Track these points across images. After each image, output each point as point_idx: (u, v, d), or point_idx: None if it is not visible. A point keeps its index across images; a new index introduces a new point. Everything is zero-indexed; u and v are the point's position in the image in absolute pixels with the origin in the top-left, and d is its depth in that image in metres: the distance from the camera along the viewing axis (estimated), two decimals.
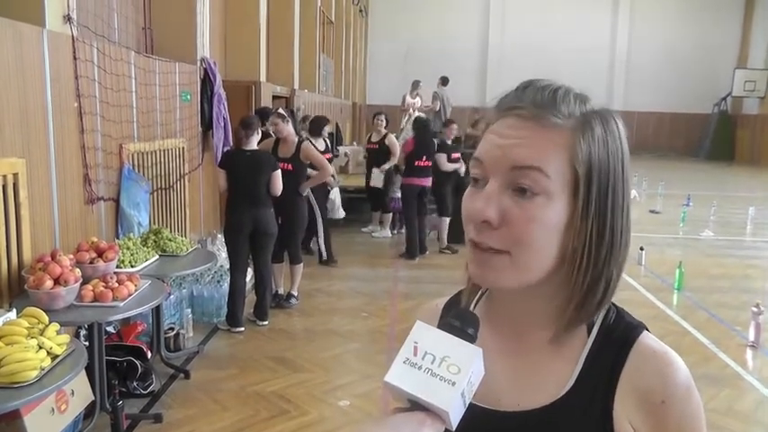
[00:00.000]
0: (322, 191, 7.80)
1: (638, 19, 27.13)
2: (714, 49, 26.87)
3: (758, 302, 5.77)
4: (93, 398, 3.76)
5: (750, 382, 4.96)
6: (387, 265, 8.19)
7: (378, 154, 9.26)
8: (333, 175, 8.09)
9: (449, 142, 9.00)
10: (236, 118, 6.71)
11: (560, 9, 26.32)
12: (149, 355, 4.65)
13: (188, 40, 6.96)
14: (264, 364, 5.03)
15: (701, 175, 20.45)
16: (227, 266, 5.86)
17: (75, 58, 4.41)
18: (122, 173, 5.17)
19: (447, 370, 0.80)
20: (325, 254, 7.93)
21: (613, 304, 1.00)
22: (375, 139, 9.43)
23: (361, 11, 23.68)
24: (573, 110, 0.92)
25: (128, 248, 4.51)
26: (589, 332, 0.98)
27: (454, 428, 0.81)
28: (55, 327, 3.10)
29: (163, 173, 6.11)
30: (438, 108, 14.36)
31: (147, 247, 4.77)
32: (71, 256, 3.83)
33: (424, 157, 8.42)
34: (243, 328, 5.68)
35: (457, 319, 0.86)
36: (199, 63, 7.05)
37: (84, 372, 3.38)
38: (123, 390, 4.26)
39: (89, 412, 3.78)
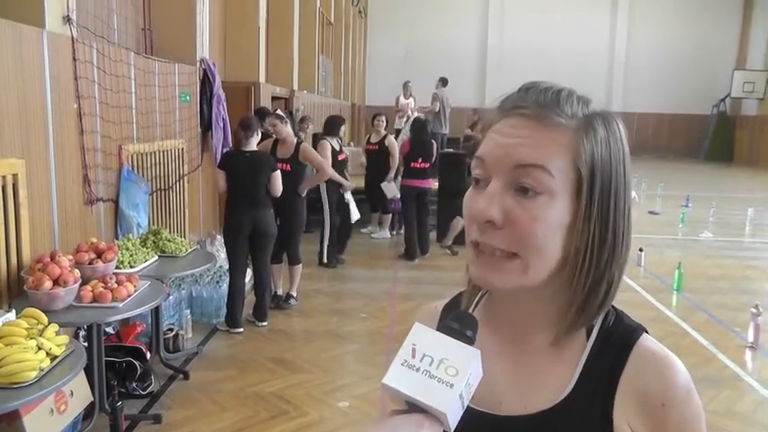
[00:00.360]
0: (336, 192, 7.79)
1: (637, 20, 27.14)
2: (713, 50, 26.88)
3: (757, 303, 5.77)
4: (93, 398, 3.76)
5: (749, 383, 4.96)
6: (386, 266, 8.19)
7: (377, 155, 9.25)
8: (347, 178, 8.08)
9: None
10: (235, 119, 6.71)
11: (559, 10, 26.33)
12: (148, 355, 4.64)
13: (187, 41, 6.96)
14: (264, 364, 5.03)
15: (700, 176, 20.46)
16: (227, 267, 5.85)
17: (74, 59, 4.42)
18: (122, 174, 5.17)
19: (445, 372, 0.80)
20: (325, 256, 7.91)
21: (612, 306, 1.00)
22: (374, 140, 9.43)
23: (360, 12, 23.69)
24: (576, 111, 0.92)
25: (127, 249, 4.51)
26: (588, 335, 0.98)
27: (452, 430, 0.81)
28: (54, 327, 3.10)
29: (162, 174, 6.11)
30: (438, 109, 14.38)
31: (147, 248, 4.77)
32: (70, 257, 3.83)
33: (420, 159, 8.41)
34: (242, 329, 5.68)
35: (455, 322, 0.86)
36: (198, 64, 7.05)
37: (83, 372, 3.38)
38: (122, 390, 4.25)
39: (88, 413, 3.78)
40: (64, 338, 3.08)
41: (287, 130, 6.35)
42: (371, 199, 9.68)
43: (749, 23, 26.54)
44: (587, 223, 0.90)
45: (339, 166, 7.81)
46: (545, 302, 0.97)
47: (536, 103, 0.92)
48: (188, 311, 5.60)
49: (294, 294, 6.47)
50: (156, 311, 4.69)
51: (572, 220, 0.90)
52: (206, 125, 7.24)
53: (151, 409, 4.28)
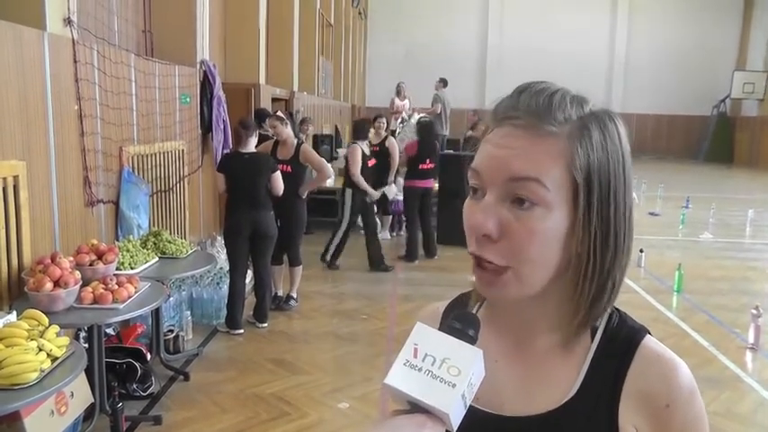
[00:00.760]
0: (360, 198, 7.75)
1: (637, 21, 27.15)
2: (713, 50, 26.89)
3: (757, 305, 5.77)
4: (93, 400, 3.76)
5: (750, 384, 4.96)
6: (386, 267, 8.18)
7: (378, 156, 9.25)
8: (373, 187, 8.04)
9: None
10: (235, 120, 6.72)
11: (559, 11, 26.35)
12: (149, 357, 4.65)
13: (188, 43, 6.97)
14: (264, 366, 5.03)
15: (700, 177, 20.46)
16: (227, 269, 5.86)
17: (75, 61, 4.42)
18: (122, 175, 5.17)
19: (447, 372, 0.80)
20: (330, 255, 7.92)
21: (616, 308, 1.00)
22: (375, 141, 9.43)
23: (360, 13, 23.71)
24: (569, 115, 0.90)
25: (127, 251, 4.51)
26: (593, 337, 0.98)
27: (455, 430, 0.81)
28: (55, 329, 3.10)
29: (162, 175, 6.11)
30: (439, 111, 14.39)
31: (147, 250, 4.78)
32: (71, 259, 3.83)
33: (428, 160, 8.47)
34: (242, 331, 5.68)
35: (458, 321, 0.86)
36: (198, 66, 7.06)
37: (83, 374, 3.38)
38: (123, 392, 4.25)
39: (89, 414, 3.78)
40: (64, 340, 3.09)
41: (287, 131, 6.35)
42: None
43: (749, 24, 26.54)
44: (587, 229, 0.90)
45: (367, 171, 7.81)
46: (548, 308, 0.97)
47: (528, 110, 0.90)
48: (188, 313, 5.60)
49: (294, 296, 6.48)
50: (156, 313, 4.69)
51: (571, 227, 0.90)
52: (206, 127, 7.25)
53: (151, 410, 4.28)
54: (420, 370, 0.81)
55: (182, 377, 4.77)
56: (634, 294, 7.10)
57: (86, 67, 4.58)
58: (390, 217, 9.82)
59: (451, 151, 11.14)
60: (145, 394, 4.40)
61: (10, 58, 3.75)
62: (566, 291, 0.94)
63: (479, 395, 0.84)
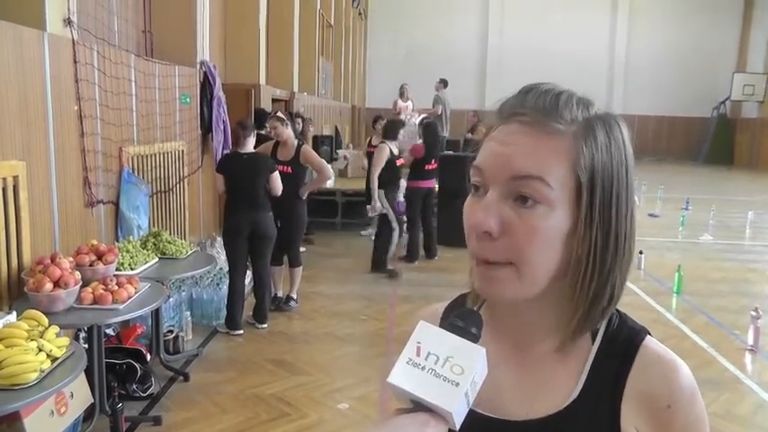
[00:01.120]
0: (393, 197, 7.72)
1: (638, 22, 27.16)
2: (713, 52, 26.90)
3: (757, 306, 5.77)
4: (93, 400, 3.76)
5: (749, 385, 4.96)
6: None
7: None
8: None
9: None
10: (235, 121, 6.72)
11: (559, 12, 26.36)
12: (149, 357, 4.64)
13: (188, 44, 6.97)
14: (264, 366, 5.03)
15: (700, 178, 20.46)
16: (227, 269, 5.86)
17: (75, 62, 4.43)
18: (122, 176, 5.18)
19: (450, 370, 0.80)
20: (388, 263, 7.75)
21: (617, 310, 1.00)
22: (375, 142, 9.45)
23: (360, 14, 23.72)
24: (575, 115, 0.90)
25: (127, 251, 4.51)
26: (593, 339, 0.98)
27: (458, 429, 0.81)
28: (54, 329, 3.10)
29: (162, 176, 6.11)
30: (440, 112, 14.39)
31: (147, 250, 4.78)
32: (71, 259, 3.83)
33: (433, 161, 8.50)
34: (242, 331, 5.68)
35: (460, 319, 0.85)
36: (198, 66, 7.06)
37: (83, 374, 3.38)
38: (122, 392, 4.25)
39: (88, 414, 3.78)
40: (64, 340, 3.09)
41: (288, 132, 6.34)
42: (371, 201, 9.68)
43: (749, 26, 26.55)
44: (589, 230, 0.89)
45: (396, 171, 7.80)
46: (548, 310, 0.96)
47: (534, 108, 0.90)
48: (188, 313, 5.60)
49: (294, 296, 6.47)
50: (156, 313, 4.69)
51: (572, 227, 0.89)
52: (206, 127, 7.25)
53: (151, 410, 4.28)
54: (423, 368, 0.81)
55: (181, 378, 4.76)
56: (634, 296, 7.09)
57: (86, 67, 4.58)
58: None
59: (451, 152, 11.15)
60: (144, 395, 4.40)
61: (10, 58, 3.75)
62: (565, 293, 0.94)
63: (480, 399, 0.84)
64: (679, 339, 5.84)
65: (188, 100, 6.80)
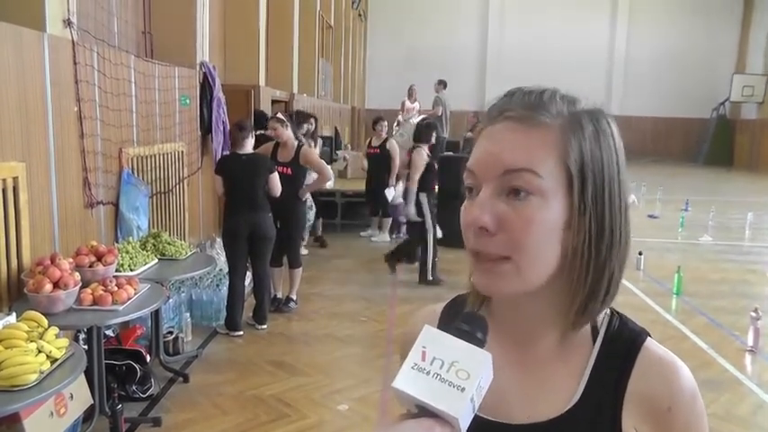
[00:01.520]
0: (433, 200, 7.55)
1: (637, 23, 27.16)
2: (712, 53, 26.90)
3: (757, 307, 5.77)
4: (93, 401, 3.75)
5: (749, 386, 4.96)
6: (386, 269, 8.17)
7: (379, 159, 9.31)
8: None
9: None
10: (234, 122, 6.72)
11: (559, 14, 26.36)
12: (148, 358, 4.64)
13: (187, 45, 6.97)
14: (263, 367, 5.03)
15: (699, 180, 20.45)
16: (226, 270, 5.86)
17: (75, 63, 4.43)
18: (122, 177, 5.17)
19: (456, 375, 0.79)
20: (430, 272, 7.50)
21: (616, 311, 1.00)
22: (375, 143, 9.48)
23: (360, 15, 23.72)
24: (561, 109, 0.92)
25: (127, 252, 4.51)
26: (594, 340, 0.98)
27: None
28: (54, 330, 3.10)
29: (162, 177, 6.11)
30: (440, 113, 14.39)
31: (147, 251, 4.77)
32: (70, 260, 3.83)
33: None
34: (242, 332, 5.68)
35: (466, 323, 0.85)
36: (198, 67, 7.06)
37: (83, 375, 3.38)
38: (122, 393, 4.25)
39: (88, 416, 3.77)
40: (64, 341, 3.09)
41: (288, 133, 6.34)
42: (372, 202, 9.70)
43: (748, 27, 26.55)
44: (582, 220, 0.90)
45: (433, 175, 7.68)
46: (547, 304, 0.96)
47: (521, 105, 0.92)
48: (188, 314, 5.60)
49: (294, 297, 6.47)
50: (155, 314, 4.69)
51: (568, 219, 0.90)
52: (206, 128, 7.25)
53: (151, 411, 4.28)
54: (428, 373, 0.80)
55: (181, 379, 4.76)
56: (633, 297, 7.09)
57: (86, 68, 4.58)
58: (390, 220, 9.82)
59: (451, 153, 11.15)
60: (144, 396, 4.40)
61: (9, 59, 3.75)
62: (563, 286, 0.94)
63: (482, 402, 0.84)
64: (679, 340, 5.84)
65: (188, 101, 6.80)
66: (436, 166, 7.72)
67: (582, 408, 0.94)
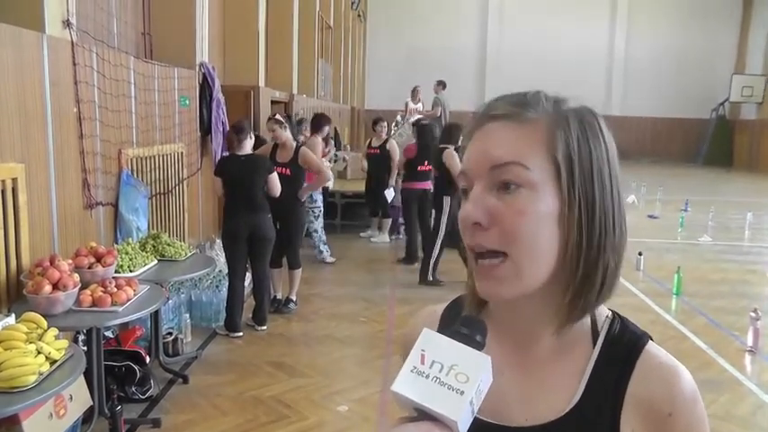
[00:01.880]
0: (458, 203, 7.55)
1: (636, 24, 27.16)
2: (712, 54, 26.91)
3: (756, 308, 5.77)
4: (92, 403, 3.75)
5: (748, 387, 4.96)
6: (385, 270, 8.18)
7: (379, 159, 9.31)
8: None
9: None
10: (232, 123, 6.73)
11: (558, 14, 26.36)
12: (148, 359, 4.64)
13: (187, 46, 6.97)
14: (263, 369, 5.03)
15: (699, 180, 20.47)
16: (226, 271, 5.85)
17: (74, 64, 4.42)
18: (121, 178, 5.17)
19: (455, 379, 0.79)
20: (431, 272, 7.56)
21: (617, 314, 1.00)
22: (375, 144, 9.48)
23: (359, 16, 23.72)
24: (547, 107, 0.94)
25: (126, 253, 4.51)
26: (594, 342, 0.98)
27: None
28: (53, 332, 3.10)
29: (161, 178, 6.11)
30: (439, 113, 14.38)
31: (146, 252, 4.77)
32: (70, 261, 3.83)
33: (426, 162, 8.48)
34: (241, 333, 5.68)
35: (465, 326, 0.85)
36: (198, 68, 7.06)
37: (82, 377, 3.37)
38: (122, 395, 4.25)
39: (87, 417, 3.77)
40: (63, 343, 3.08)
41: (286, 134, 6.35)
42: (371, 203, 9.71)
43: (747, 28, 26.56)
44: (572, 211, 0.90)
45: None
46: (545, 306, 0.96)
47: (507, 104, 0.95)
48: (187, 315, 5.59)
49: (293, 298, 6.47)
50: (155, 315, 4.68)
51: (559, 211, 0.90)
52: (205, 129, 7.25)
53: (150, 413, 4.27)
54: (428, 377, 0.80)
55: (181, 380, 4.76)
56: (633, 297, 7.09)
57: (85, 69, 4.57)
58: (390, 220, 9.83)
59: None
60: (144, 397, 4.40)
61: (9, 60, 3.75)
62: (560, 286, 0.94)
63: (481, 405, 0.84)
64: (678, 341, 5.84)
65: (187, 102, 6.80)
66: None
67: (581, 410, 0.94)
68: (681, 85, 26.85)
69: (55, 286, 3.50)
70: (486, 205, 0.90)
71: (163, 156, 6.13)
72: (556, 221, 0.90)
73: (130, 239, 4.92)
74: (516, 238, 0.89)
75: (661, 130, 27.14)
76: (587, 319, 0.98)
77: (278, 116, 6.50)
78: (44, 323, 3.15)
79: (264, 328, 5.87)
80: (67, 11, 4.35)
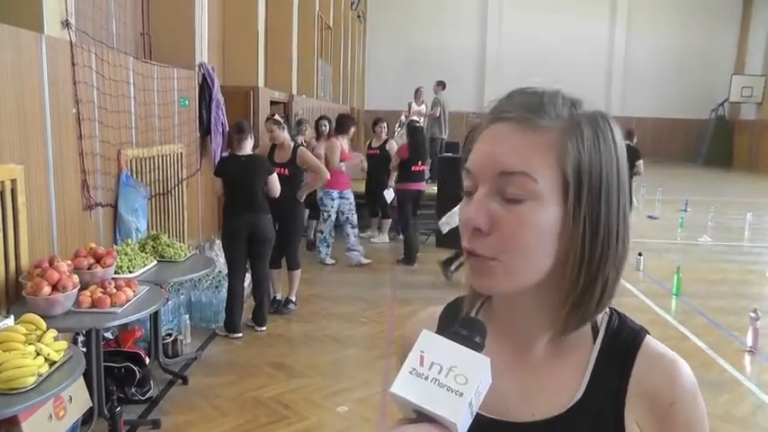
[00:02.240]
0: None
1: (636, 24, 27.18)
2: (711, 54, 26.93)
3: (756, 308, 5.77)
4: (91, 404, 3.75)
5: (748, 387, 4.96)
6: (385, 270, 8.18)
7: (379, 159, 9.31)
8: None
9: None
10: (233, 123, 6.71)
11: (558, 13, 26.36)
12: (147, 360, 4.64)
13: (186, 46, 6.96)
14: (263, 369, 5.02)
15: (698, 180, 20.48)
16: (226, 272, 5.85)
17: (73, 64, 4.42)
18: (120, 179, 5.17)
19: (454, 380, 0.79)
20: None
21: (615, 310, 1.00)
22: (375, 144, 9.48)
23: (359, 16, 23.72)
24: (561, 112, 0.91)
25: (126, 254, 4.50)
26: (594, 339, 0.98)
27: None
28: (53, 333, 3.09)
29: (161, 178, 6.10)
30: (438, 114, 14.37)
31: (146, 253, 4.77)
32: (69, 262, 3.82)
33: (420, 162, 8.53)
34: (241, 334, 5.67)
35: (464, 328, 0.85)
36: (197, 68, 7.06)
37: (81, 378, 3.37)
38: (121, 396, 4.24)
39: (87, 418, 3.77)
40: (62, 344, 3.08)
41: (284, 135, 6.34)
42: (371, 203, 9.70)
43: (747, 28, 26.59)
44: (576, 224, 0.90)
45: None
46: (544, 305, 0.96)
47: (520, 107, 0.91)
48: (187, 316, 5.59)
49: (293, 299, 6.47)
50: (154, 316, 4.68)
51: (561, 223, 0.90)
52: (205, 130, 7.25)
53: (150, 414, 4.27)
54: (426, 378, 0.80)
55: (180, 381, 4.76)
56: (633, 297, 7.09)
57: (84, 69, 4.57)
58: (389, 221, 9.82)
59: (450, 154, 11.15)
60: (143, 398, 4.39)
61: (7, 60, 3.74)
62: (559, 289, 0.94)
63: (483, 401, 0.83)
64: (678, 341, 5.84)
65: (186, 102, 6.80)
66: None
67: (585, 405, 0.95)
68: (681, 85, 26.87)
69: (54, 287, 3.49)
70: (488, 211, 0.89)
71: (162, 156, 6.12)
72: (556, 233, 0.90)
73: (130, 240, 4.91)
74: (514, 247, 0.89)
75: (661, 131, 27.13)
76: None
77: (276, 116, 6.50)
78: (43, 324, 3.14)
79: (264, 328, 5.86)
80: (66, 11, 4.35)
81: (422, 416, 0.79)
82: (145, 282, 4.26)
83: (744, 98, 25.13)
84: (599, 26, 27.16)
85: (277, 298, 6.48)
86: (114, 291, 3.77)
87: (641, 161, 9.63)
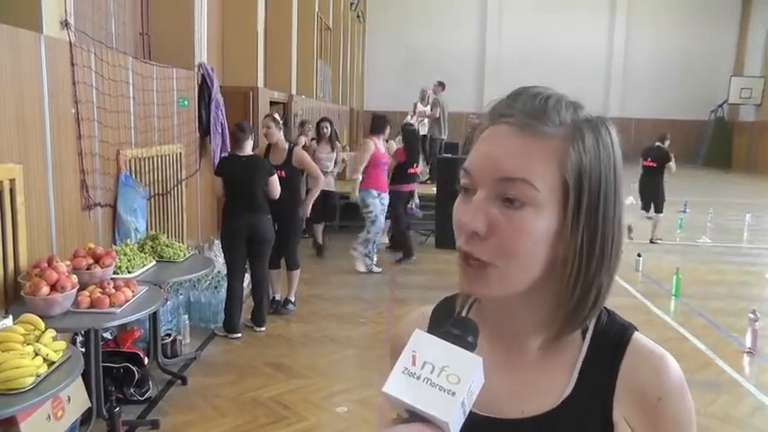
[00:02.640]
0: None
1: (635, 26, 27.20)
2: (710, 56, 26.95)
3: (755, 309, 5.77)
4: (90, 404, 3.74)
5: (747, 388, 4.96)
6: (385, 270, 8.18)
7: None
8: None
9: None
10: (233, 124, 6.70)
11: (557, 14, 26.39)
12: (146, 361, 4.63)
13: (186, 46, 6.96)
14: (262, 370, 5.02)
15: (697, 181, 20.47)
16: (225, 272, 5.84)
17: (72, 64, 4.41)
18: (119, 179, 5.16)
19: (447, 380, 0.79)
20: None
21: (604, 306, 1.00)
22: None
23: (358, 17, 23.72)
24: (564, 118, 0.91)
25: (125, 254, 4.50)
26: (583, 335, 0.99)
27: None
28: (51, 333, 3.09)
29: (160, 179, 6.10)
30: (438, 114, 14.36)
31: (145, 253, 4.76)
32: (68, 263, 3.82)
33: (415, 164, 8.60)
34: (240, 334, 5.67)
35: (456, 327, 0.85)
36: (196, 69, 7.05)
37: (80, 378, 3.36)
38: (120, 396, 4.23)
39: (86, 419, 3.76)
40: (61, 344, 3.07)
41: (279, 135, 6.29)
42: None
43: (746, 29, 26.61)
44: (575, 232, 0.90)
45: None
46: (537, 308, 0.97)
47: (523, 111, 0.91)
48: (186, 316, 5.58)
49: (292, 299, 6.46)
50: (153, 317, 4.68)
51: (559, 229, 0.90)
52: (204, 130, 7.24)
53: (149, 414, 4.26)
54: (419, 378, 0.80)
55: (179, 381, 4.75)
56: (632, 298, 7.10)
57: (83, 69, 4.57)
58: (389, 221, 9.80)
59: (449, 155, 11.15)
60: (142, 398, 4.39)
61: (6, 60, 3.74)
62: (551, 294, 0.94)
63: (478, 400, 0.84)
64: (677, 342, 5.84)
65: (186, 103, 6.79)
66: None
67: (574, 401, 0.95)
68: (680, 86, 26.89)
69: (53, 288, 3.49)
70: (487, 216, 0.89)
71: (161, 156, 6.12)
72: (552, 240, 0.90)
73: (129, 240, 4.91)
74: (511, 253, 0.89)
75: (660, 132, 27.12)
76: None
77: (276, 115, 6.48)
78: (42, 325, 3.14)
79: (263, 329, 5.86)
80: (65, 11, 4.35)
81: (414, 416, 0.79)
82: (144, 282, 4.25)
83: (743, 99, 25.16)
84: (598, 27, 27.19)
85: (276, 298, 6.48)
86: (113, 291, 3.77)
87: (672, 162, 10.09)
